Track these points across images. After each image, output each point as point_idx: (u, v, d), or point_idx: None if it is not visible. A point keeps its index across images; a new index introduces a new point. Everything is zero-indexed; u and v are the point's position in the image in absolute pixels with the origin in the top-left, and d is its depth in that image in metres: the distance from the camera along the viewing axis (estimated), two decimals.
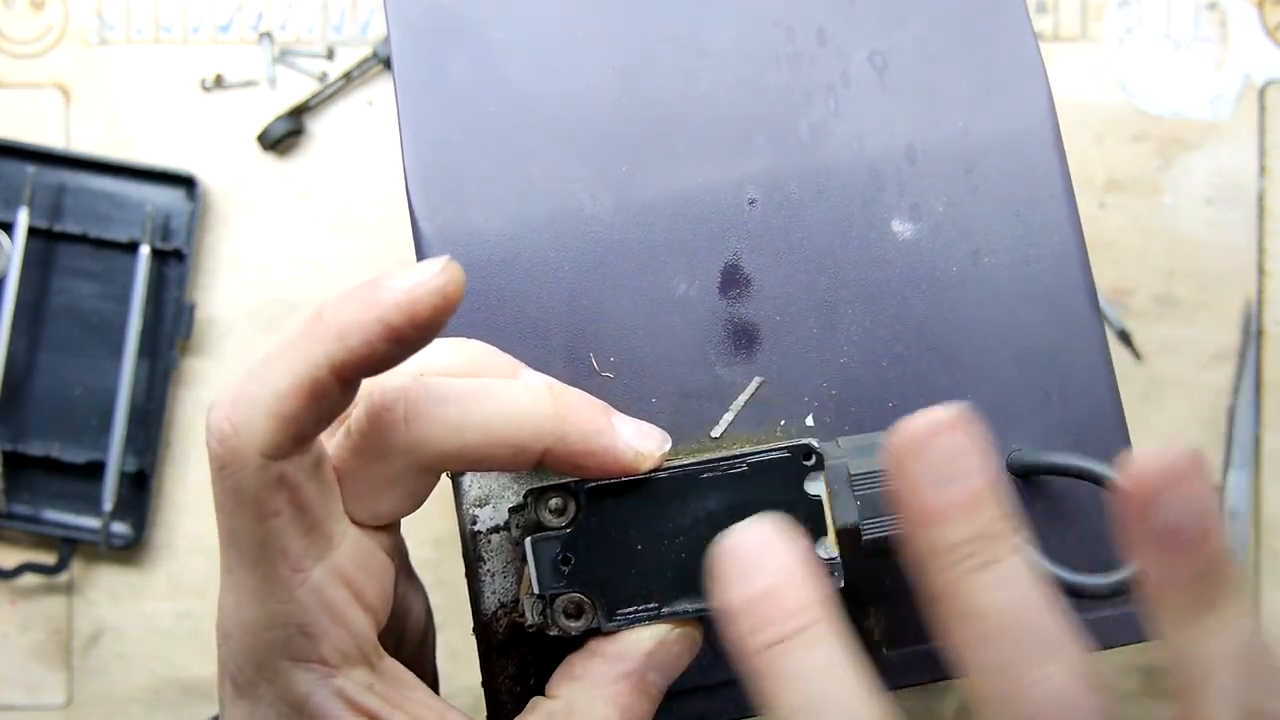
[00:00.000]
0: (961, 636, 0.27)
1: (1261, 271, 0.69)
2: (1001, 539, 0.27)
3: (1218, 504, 0.25)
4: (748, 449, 0.34)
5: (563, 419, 0.32)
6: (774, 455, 0.33)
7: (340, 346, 0.28)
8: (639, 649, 0.33)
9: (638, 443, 0.33)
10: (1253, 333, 0.69)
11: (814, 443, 0.33)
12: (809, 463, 0.33)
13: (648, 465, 0.33)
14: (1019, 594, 0.26)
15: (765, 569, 0.28)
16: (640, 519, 0.33)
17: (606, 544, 0.33)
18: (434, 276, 0.29)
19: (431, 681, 0.39)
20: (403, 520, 0.35)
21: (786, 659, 0.27)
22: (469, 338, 0.39)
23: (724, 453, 0.34)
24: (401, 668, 0.33)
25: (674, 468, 0.33)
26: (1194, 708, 0.26)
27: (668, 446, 0.34)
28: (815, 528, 0.33)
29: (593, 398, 0.34)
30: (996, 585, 0.26)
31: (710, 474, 0.33)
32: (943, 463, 0.26)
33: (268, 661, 0.31)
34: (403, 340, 0.29)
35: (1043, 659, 0.26)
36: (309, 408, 0.29)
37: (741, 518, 0.32)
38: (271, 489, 0.30)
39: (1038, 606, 0.27)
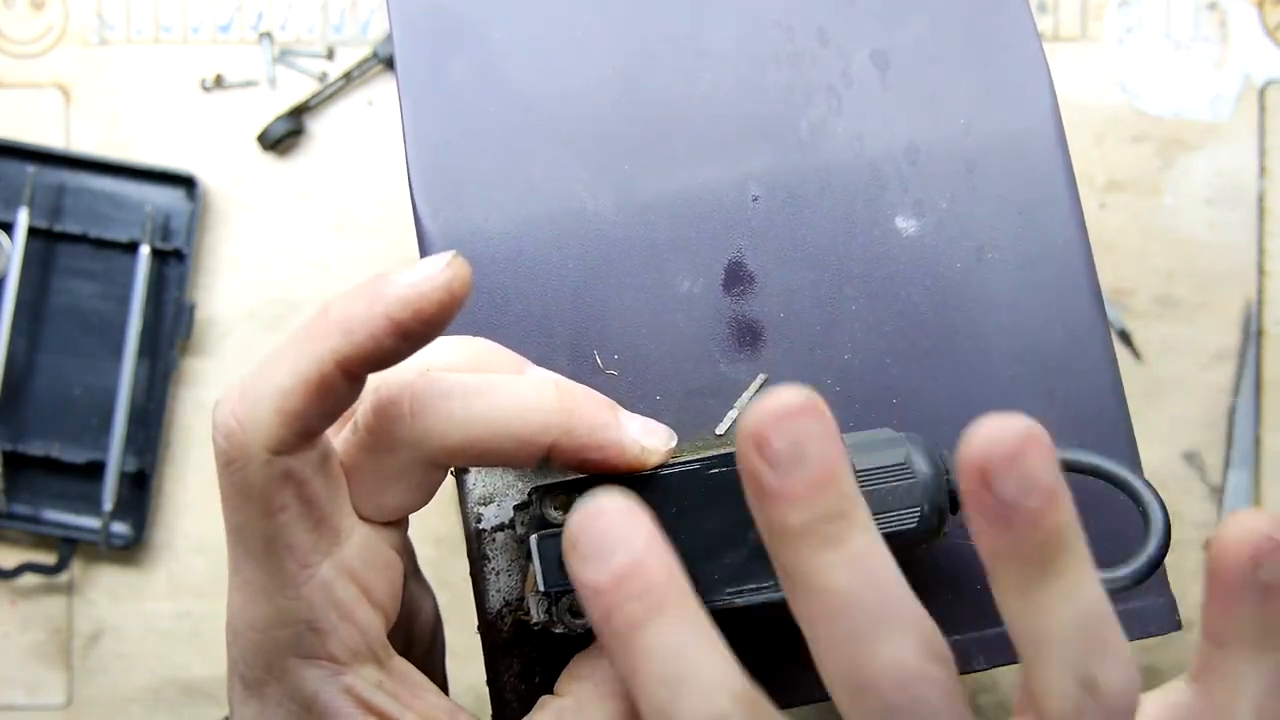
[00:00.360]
0: (806, 613, 0.27)
1: (1261, 271, 0.69)
2: (845, 517, 0.26)
3: (1057, 475, 0.26)
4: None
5: (569, 413, 0.32)
6: None
7: (346, 341, 0.28)
8: None
9: (644, 438, 0.33)
10: (1253, 333, 0.69)
11: None
12: None
13: (653, 461, 0.33)
14: (863, 570, 0.26)
15: (625, 545, 0.27)
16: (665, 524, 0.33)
17: None
18: (440, 272, 0.29)
19: (441, 683, 0.39)
20: None
21: (643, 638, 0.27)
22: (474, 335, 0.39)
23: (728, 449, 0.33)
24: (411, 667, 0.33)
25: (680, 464, 0.33)
26: (1032, 678, 0.27)
27: (674, 443, 0.34)
28: None
29: (599, 394, 0.34)
30: (840, 562, 0.26)
31: (716, 470, 0.33)
32: (789, 447, 0.26)
33: (276, 659, 0.31)
34: (409, 336, 0.29)
35: (884, 632, 0.26)
36: (314, 403, 0.29)
37: (746, 514, 0.32)
38: (277, 484, 0.29)
39: (882, 580, 0.26)
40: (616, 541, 0.27)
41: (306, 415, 0.29)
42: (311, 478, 0.30)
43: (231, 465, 0.29)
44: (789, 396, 0.26)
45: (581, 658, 0.34)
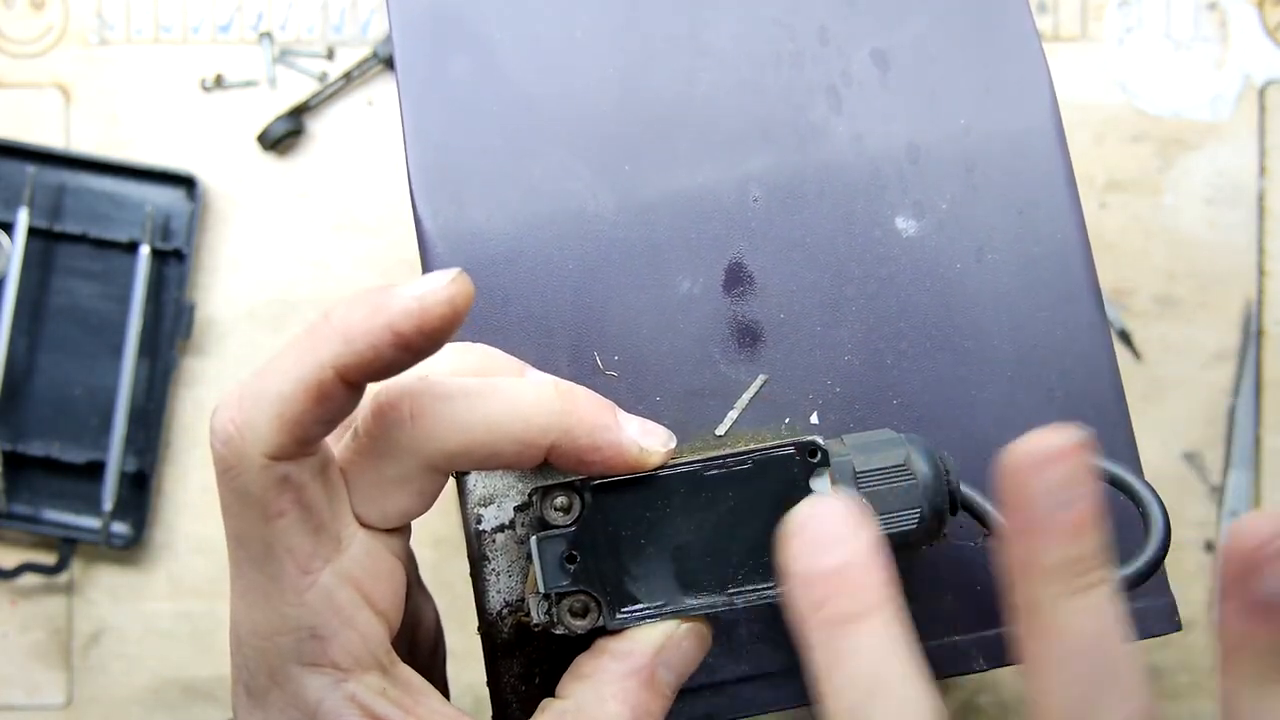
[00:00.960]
0: (1038, 652, 0.28)
1: (1261, 271, 0.69)
2: (1097, 569, 0.28)
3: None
4: (753, 446, 0.33)
5: (568, 414, 0.32)
6: (779, 452, 0.33)
7: (347, 349, 0.28)
8: (648, 645, 0.33)
9: (643, 439, 0.33)
10: (1253, 333, 0.69)
11: (819, 440, 0.33)
12: (814, 460, 0.33)
13: (653, 462, 0.33)
14: (1103, 624, 0.28)
15: (842, 544, 0.29)
16: (646, 517, 0.33)
17: (612, 542, 0.33)
18: (444, 287, 0.29)
19: (443, 689, 0.39)
20: None
21: (848, 637, 0.28)
22: (473, 338, 0.39)
23: (728, 450, 0.33)
24: (414, 674, 0.33)
25: (679, 465, 0.33)
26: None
27: (673, 445, 0.34)
28: None
29: (598, 395, 0.34)
30: (1084, 610, 0.27)
31: (716, 471, 0.33)
32: (1058, 486, 0.27)
33: (279, 667, 0.31)
34: (410, 348, 0.29)
35: (1114, 691, 0.27)
36: (313, 410, 0.29)
37: (747, 515, 0.32)
38: (276, 490, 0.29)
39: (1118, 640, 0.28)
40: (843, 537, 0.29)
41: (305, 422, 0.29)
42: (310, 483, 0.30)
43: (230, 472, 0.29)
44: (1063, 436, 0.28)
45: (583, 659, 0.34)
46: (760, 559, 0.33)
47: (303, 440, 0.29)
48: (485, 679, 0.37)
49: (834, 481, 0.33)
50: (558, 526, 0.33)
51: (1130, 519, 0.39)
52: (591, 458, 0.32)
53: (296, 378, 0.29)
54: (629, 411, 0.34)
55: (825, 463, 0.33)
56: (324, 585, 0.31)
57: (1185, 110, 0.69)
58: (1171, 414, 0.69)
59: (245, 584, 0.31)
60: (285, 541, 0.30)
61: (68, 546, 0.68)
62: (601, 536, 0.33)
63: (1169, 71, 0.69)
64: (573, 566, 0.33)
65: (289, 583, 0.30)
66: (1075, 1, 0.70)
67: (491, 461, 0.32)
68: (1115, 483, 0.35)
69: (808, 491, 0.33)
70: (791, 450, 0.33)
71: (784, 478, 0.33)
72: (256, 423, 0.29)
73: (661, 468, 0.33)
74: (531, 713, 0.33)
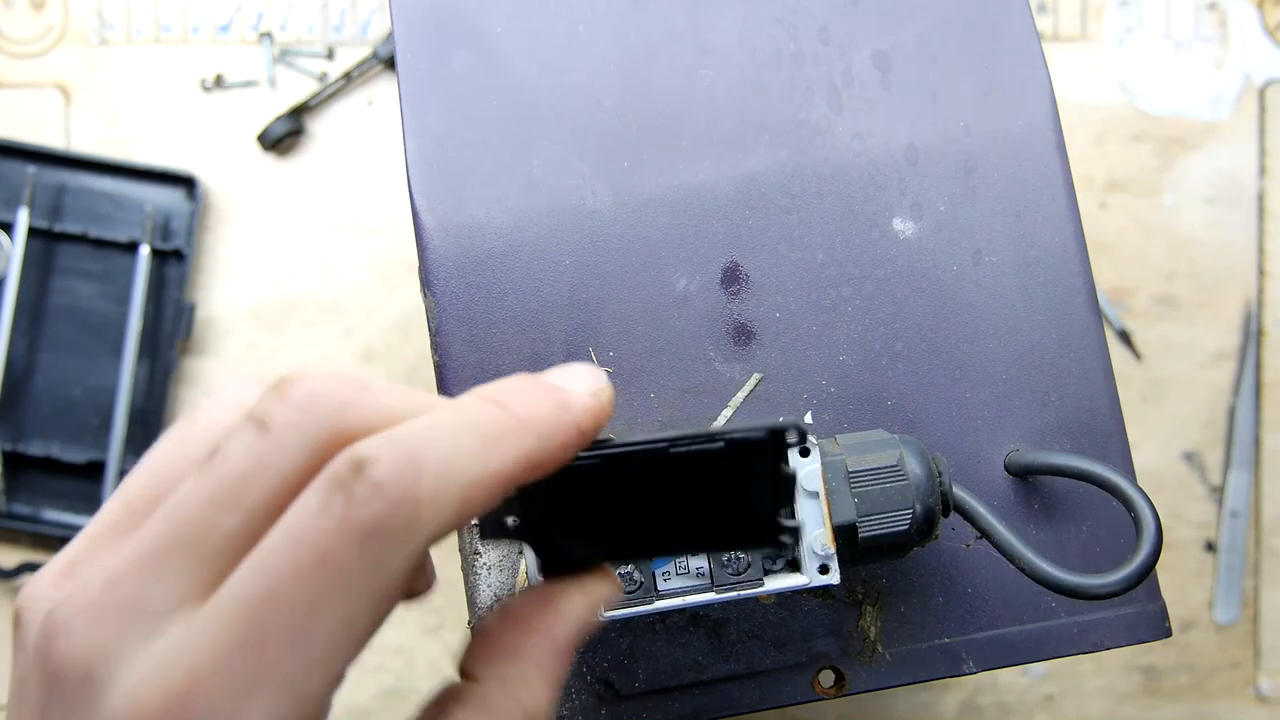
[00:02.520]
0: None
1: (1261, 271, 0.69)
2: None
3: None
4: (727, 428, 0.31)
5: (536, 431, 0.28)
6: (752, 436, 0.30)
7: (539, 446, 0.26)
8: (574, 620, 0.29)
9: (581, 403, 0.29)
10: (1253, 333, 0.68)
11: (795, 421, 0.30)
12: (791, 442, 0.30)
13: (598, 411, 0.29)
14: None
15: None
16: (617, 494, 0.30)
17: (584, 537, 0.31)
18: (608, 386, 0.28)
19: None
20: None
21: None
22: (469, 332, 0.39)
23: (698, 429, 0.30)
24: None
25: (647, 441, 0.30)
26: None
27: (602, 381, 0.30)
28: (787, 502, 0.30)
29: (522, 381, 0.29)
30: None
31: (682, 449, 0.30)
32: None
33: None
34: (582, 446, 0.28)
35: None
36: (490, 501, 0.26)
37: (715, 494, 0.30)
38: (407, 576, 0.25)
39: None
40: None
41: (475, 512, 0.26)
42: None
43: (384, 538, 0.24)
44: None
45: (495, 632, 0.29)
46: (716, 537, 0.30)
47: (457, 527, 0.26)
48: None
49: (826, 481, 0.33)
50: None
51: (1123, 524, 0.39)
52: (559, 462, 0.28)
53: (489, 469, 0.25)
54: (626, 411, 0.34)
55: (802, 439, 0.30)
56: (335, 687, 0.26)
57: (1185, 110, 0.69)
58: (1171, 414, 0.68)
59: (264, 662, 0.24)
60: (363, 632, 0.25)
61: None
62: (566, 516, 0.30)
63: (1169, 71, 0.69)
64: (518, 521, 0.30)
65: (329, 676, 0.25)
66: (1075, 1, 0.70)
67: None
68: (1107, 487, 0.35)
69: (778, 472, 0.30)
70: (765, 434, 0.30)
71: (755, 460, 0.30)
72: (442, 500, 0.24)
73: (632, 445, 0.30)
74: None
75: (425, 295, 0.39)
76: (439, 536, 0.25)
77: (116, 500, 0.28)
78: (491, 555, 0.37)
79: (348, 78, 0.69)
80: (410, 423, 0.25)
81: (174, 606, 0.24)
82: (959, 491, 0.35)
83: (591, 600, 0.30)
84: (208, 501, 0.25)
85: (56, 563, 0.28)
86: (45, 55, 0.70)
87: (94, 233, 0.68)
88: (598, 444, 0.30)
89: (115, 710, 0.23)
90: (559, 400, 0.27)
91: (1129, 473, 0.39)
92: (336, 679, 0.24)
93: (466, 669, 0.29)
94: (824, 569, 0.32)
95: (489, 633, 0.29)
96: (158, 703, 0.23)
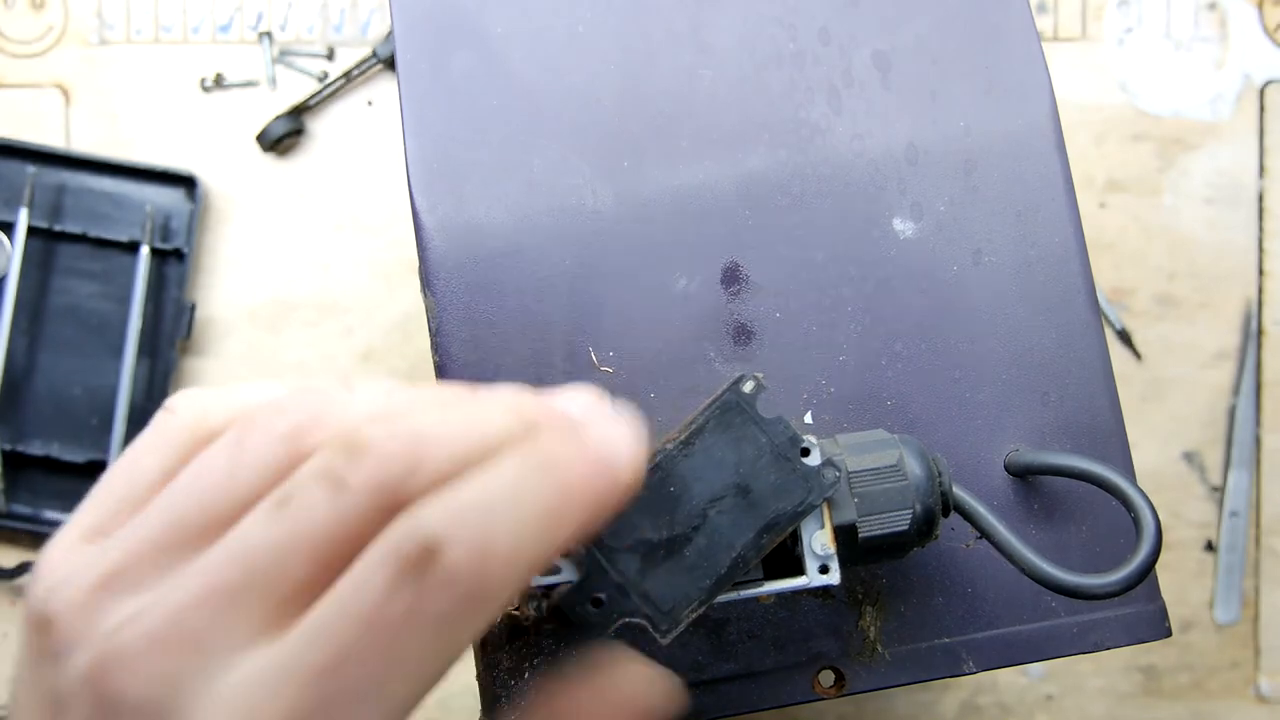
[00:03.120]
0: None
1: (1261, 271, 0.69)
2: None
3: None
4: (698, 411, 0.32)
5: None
6: (716, 406, 0.32)
7: (596, 516, 0.26)
8: (642, 699, 0.29)
9: (617, 451, 0.28)
10: (1253, 333, 0.68)
11: (744, 375, 0.32)
12: (749, 391, 0.32)
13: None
14: None
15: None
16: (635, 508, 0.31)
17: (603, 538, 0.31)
18: (641, 438, 0.28)
19: None
20: None
21: None
22: (469, 333, 0.39)
23: (684, 424, 0.32)
24: None
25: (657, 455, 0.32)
26: None
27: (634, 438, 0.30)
28: (792, 440, 0.31)
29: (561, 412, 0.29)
30: None
31: (682, 450, 0.31)
32: None
33: None
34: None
35: None
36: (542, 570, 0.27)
37: (727, 477, 0.31)
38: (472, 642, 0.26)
39: None
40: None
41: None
42: None
43: (458, 627, 0.25)
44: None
45: (563, 697, 0.29)
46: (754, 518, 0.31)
47: None
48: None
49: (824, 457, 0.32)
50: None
51: (1123, 524, 0.39)
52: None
53: (552, 547, 0.26)
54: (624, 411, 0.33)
55: (760, 387, 0.32)
56: None
57: (1185, 110, 0.69)
58: (1171, 414, 0.68)
59: None
60: (424, 695, 0.26)
61: None
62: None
63: (1169, 71, 0.69)
64: (564, 561, 0.32)
65: None
66: (1075, 1, 0.70)
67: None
68: (1107, 487, 0.35)
69: (758, 418, 0.32)
70: (727, 395, 0.32)
71: (734, 425, 0.32)
72: (509, 585, 0.25)
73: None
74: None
75: (425, 295, 0.39)
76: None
77: (112, 499, 0.28)
78: None
79: (348, 78, 0.69)
80: (473, 494, 0.25)
81: (240, 646, 0.25)
82: (959, 491, 0.35)
83: (650, 680, 0.29)
84: (280, 549, 0.25)
85: (86, 575, 0.27)
86: (45, 55, 0.70)
87: (94, 233, 0.68)
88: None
89: None
90: (608, 474, 0.27)
91: (1129, 473, 0.39)
92: None
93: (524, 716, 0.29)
94: (824, 569, 0.32)
95: (550, 691, 0.29)
96: None
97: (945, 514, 0.35)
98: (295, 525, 0.25)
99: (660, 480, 0.31)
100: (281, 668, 0.24)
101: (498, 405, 0.28)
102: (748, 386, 0.32)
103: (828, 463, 0.31)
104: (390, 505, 0.25)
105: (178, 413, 0.29)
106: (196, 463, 0.28)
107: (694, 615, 0.31)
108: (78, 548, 0.28)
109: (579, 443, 0.27)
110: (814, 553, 0.32)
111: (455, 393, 0.29)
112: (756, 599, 0.36)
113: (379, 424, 0.26)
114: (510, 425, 0.27)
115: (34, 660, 0.27)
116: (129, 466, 0.29)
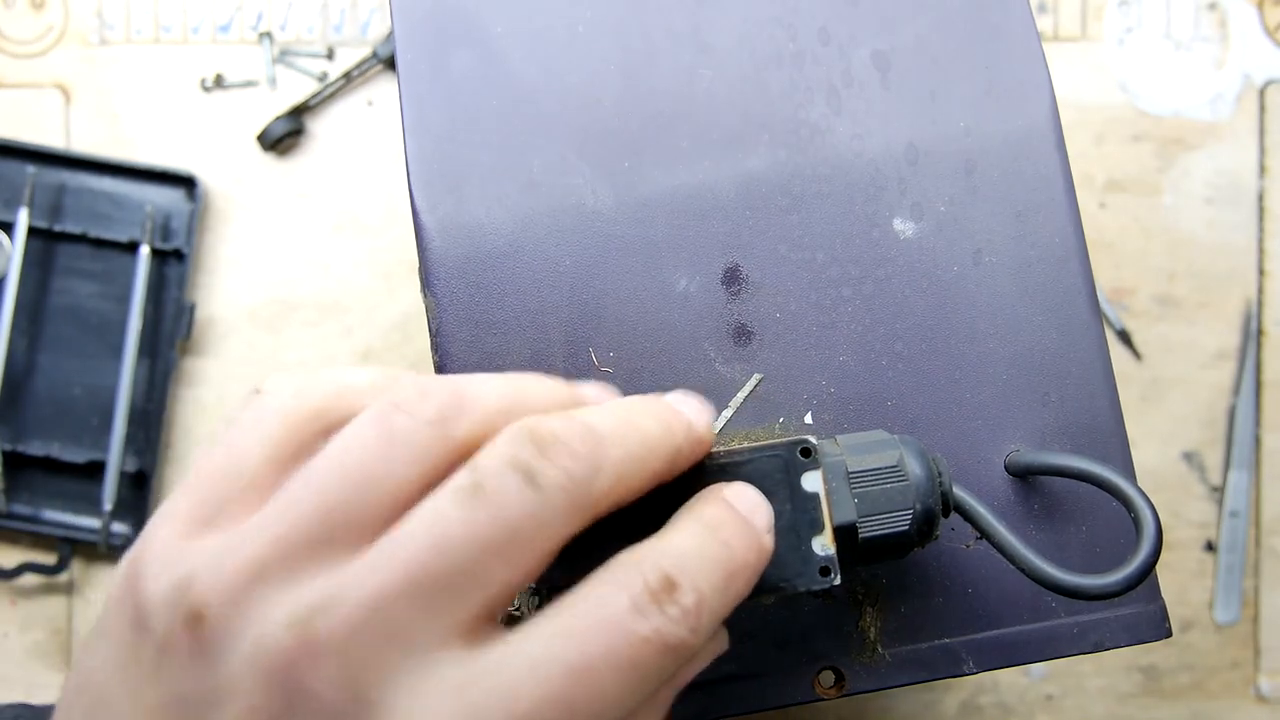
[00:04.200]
0: None
1: (1261, 271, 0.69)
2: None
3: None
4: (745, 446, 0.33)
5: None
6: (770, 454, 0.33)
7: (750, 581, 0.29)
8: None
9: (697, 418, 0.31)
10: (1253, 333, 0.68)
11: (810, 440, 0.33)
12: (805, 459, 0.33)
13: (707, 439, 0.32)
14: None
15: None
16: (638, 514, 0.31)
17: (601, 541, 0.31)
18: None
19: None
20: None
21: None
22: (469, 334, 0.39)
23: (720, 449, 0.33)
24: None
25: (737, 453, 0.33)
26: None
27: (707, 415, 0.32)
28: (812, 523, 0.32)
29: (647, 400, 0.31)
30: None
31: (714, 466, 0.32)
32: None
33: None
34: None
35: None
36: None
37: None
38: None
39: None
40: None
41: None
42: None
43: (676, 655, 0.27)
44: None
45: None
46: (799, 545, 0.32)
47: None
48: None
49: (826, 481, 0.33)
50: None
51: (1123, 524, 0.39)
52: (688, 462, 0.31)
53: (732, 601, 0.28)
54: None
55: (816, 463, 0.33)
56: None
57: (1185, 110, 0.69)
58: (1171, 414, 0.68)
59: None
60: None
61: (68, 546, 0.68)
62: (590, 536, 0.32)
63: (1169, 71, 0.69)
64: (560, 564, 0.32)
65: None
66: (1075, 1, 0.70)
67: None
68: (1107, 487, 0.35)
69: (800, 490, 0.32)
70: (783, 451, 0.33)
71: (776, 478, 0.33)
72: (539, 560, 0.26)
73: (721, 455, 0.33)
74: None
75: (425, 296, 0.39)
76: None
77: (218, 482, 0.27)
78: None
79: (348, 78, 0.69)
80: (684, 539, 0.28)
81: (442, 642, 0.25)
82: (959, 491, 0.35)
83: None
84: (480, 544, 0.25)
85: (232, 565, 0.25)
86: (45, 55, 0.70)
87: (94, 233, 0.68)
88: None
89: None
90: (760, 543, 0.29)
91: (1129, 473, 0.39)
92: None
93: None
94: (825, 570, 0.32)
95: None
96: None
97: (945, 514, 0.35)
98: (493, 520, 0.25)
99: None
100: (516, 670, 0.24)
101: (642, 409, 0.29)
102: (806, 451, 0.32)
103: (830, 560, 0.32)
104: (580, 504, 0.26)
105: (275, 394, 0.28)
106: (338, 447, 0.26)
107: None
108: (193, 538, 0.26)
109: (733, 514, 0.29)
110: (814, 553, 0.32)
111: (568, 386, 0.30)
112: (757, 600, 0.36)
113: (556, 418, 0.27)
114: (658, 431, 0.29)
115: (159, 658, 0.25)
116: (229, 452, 0.27)
